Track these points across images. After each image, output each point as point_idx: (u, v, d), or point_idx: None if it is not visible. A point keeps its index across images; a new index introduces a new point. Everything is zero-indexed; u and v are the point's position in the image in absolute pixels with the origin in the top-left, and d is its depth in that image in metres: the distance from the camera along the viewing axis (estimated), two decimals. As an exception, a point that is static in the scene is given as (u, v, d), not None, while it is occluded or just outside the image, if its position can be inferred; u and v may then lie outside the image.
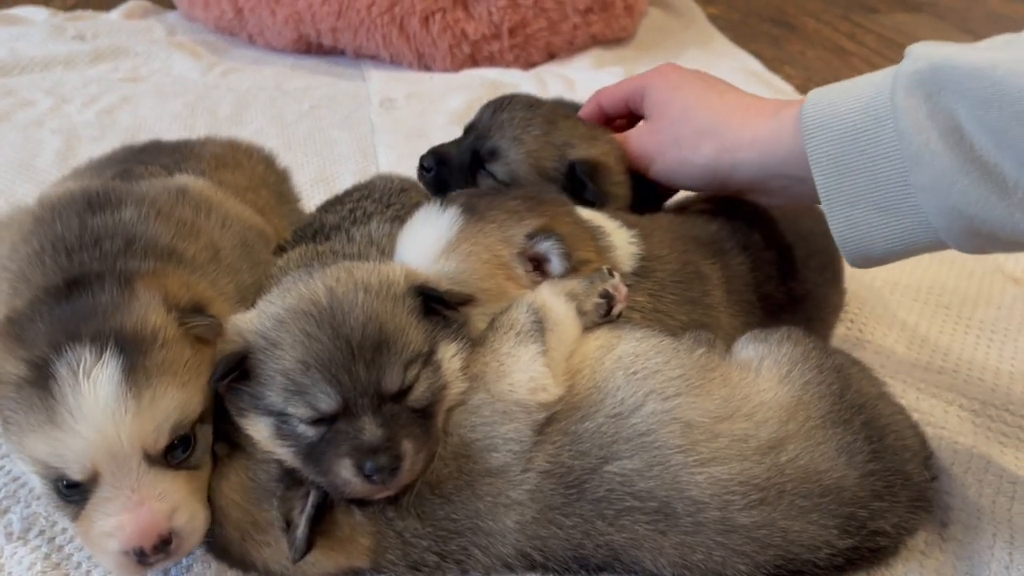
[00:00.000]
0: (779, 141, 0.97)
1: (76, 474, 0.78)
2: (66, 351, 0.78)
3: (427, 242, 0.93)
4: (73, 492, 0.80)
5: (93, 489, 0.79)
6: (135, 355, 0.80)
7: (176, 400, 0.81)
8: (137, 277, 0.88)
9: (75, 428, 0.76)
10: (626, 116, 1.19)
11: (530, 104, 1.13)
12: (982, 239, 0.85)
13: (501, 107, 1.12)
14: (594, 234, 0.96)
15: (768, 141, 0.98)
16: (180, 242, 0.99)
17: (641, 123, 1.13)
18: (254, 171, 1.29)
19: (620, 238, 0.98)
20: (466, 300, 0.86)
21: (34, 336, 0.81)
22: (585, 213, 0.99)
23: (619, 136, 1.14)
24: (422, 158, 1.13)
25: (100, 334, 0.80)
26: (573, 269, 0.91)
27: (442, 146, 1.13)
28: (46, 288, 0.87)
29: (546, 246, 0.91)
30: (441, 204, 0.95)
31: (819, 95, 0.93)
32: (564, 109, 1.17)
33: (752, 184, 1.03)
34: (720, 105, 1.04)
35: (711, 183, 1.06)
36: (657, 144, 1.08)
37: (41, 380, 0.78)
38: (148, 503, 0.79)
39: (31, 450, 0.78)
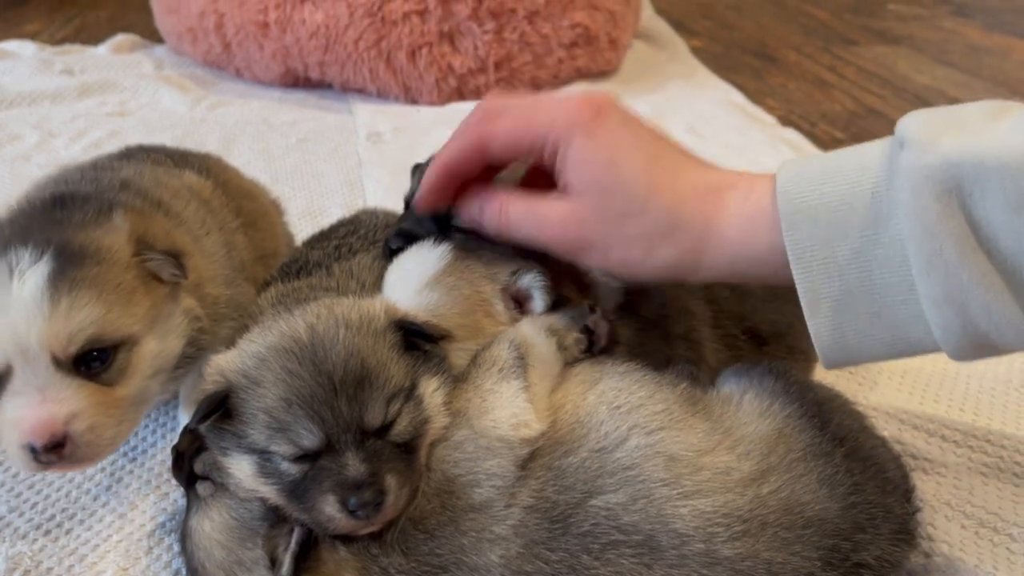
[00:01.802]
0: (752, 238, 0.80)
1: None
2: (10, 251, 0.85)
3: (414, 273, 0.93)
4: None
5: (7, 382, 0.84)
6: (67, 265, 0.85)
7: (94, 314, 0.85)
8: (120, 207, 0.94)
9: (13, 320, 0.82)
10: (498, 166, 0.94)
11: None
12: (988, 349, 0.74)
13: None
14: (580, 276, 0.97)
15: (739, 242, 0.81)
16: (175, 203, 1.04)
17: (568, 202, 0.85)
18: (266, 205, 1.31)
19: (605, 275, 0.99)
20: (442, 335, 0.87)
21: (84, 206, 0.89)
22: None
23: (536, 207, 0.87)
24: (389, 240, 1.02)
25: (44, 241, 0.86)
26: (555, 307, 0.91)
27: (402, 225, 1.03)
28: (30, 200, 0.94)
29: (527, 279, 0.91)
30: (435, 240, 0.96)
31: (796, 178, 0.78)
32: None
33: (719, 278, 0.87)
34: (674, 194, 0.83)
35: (661, 280, 0.90)
36: (599, 235, 0.84)
37: (66, 265, 0.84)
38: (47, 404, 0.83)
39: None
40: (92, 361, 0.86)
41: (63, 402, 0.83)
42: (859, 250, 0.75)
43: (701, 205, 0.82)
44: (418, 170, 1.11)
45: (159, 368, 0.94)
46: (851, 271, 0.76)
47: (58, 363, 0.84)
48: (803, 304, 0.79)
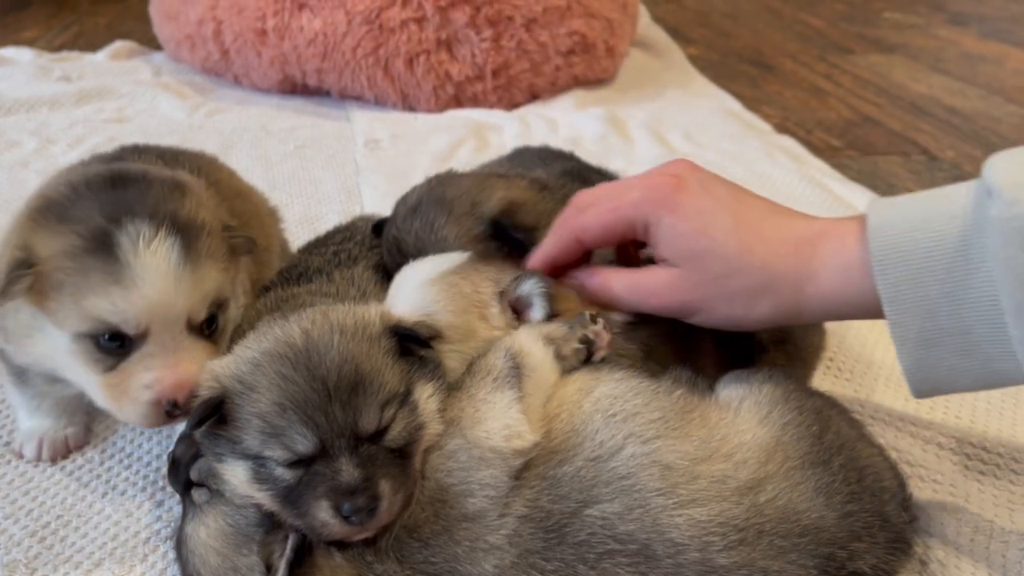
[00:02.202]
0: (848, 286, 0.86)
1: (130, 329, 0.89)
2: (126, 224, 0.89)
3: (422, 271, 0.95)
4: (114, 347, 0.90)
5: (138, 346, 0.90)
6: (188, 236, 0.92)
7: (217, 281, 0.95)
8: (185, 182, 0.99)
9: (139, 289, 0.88)
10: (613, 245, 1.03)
11: (438, 199, 1.10)
12: None
13: (413, 214, 1.10)
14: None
15: (836, 290, 0.87)
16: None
17: (667, 271, 0.93)
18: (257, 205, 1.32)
19: None
20: (433, 335, 0.87)
21: (82, 215, 0.90)
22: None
23: (638, 279, 0.95)
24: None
25: (158, 214, 0.91)
26: (556, 315, 0.92)
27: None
28: (87, 178, 0.96)
29: (528, 285, 0.92)
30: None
31: (887, 223, 0.83)
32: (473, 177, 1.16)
33: (819, 321, 0.94)
34: (766, 251, 0.88)
35: (771, 326, 0.97)
36: (701, 298, 0.91)
37: (103, 248, 0.88)
38: (185, 363, 0.90)
39: (90, 308, 0.88)
40: (211, 323, 0.95)
41: (195, 360, 0.90)
42: (950, 292, 0.79)
43: (794, 259, 0.88)
44: (377, 229, 1.15)
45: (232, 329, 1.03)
46: (942, 312, 0.80)
47: (190, 326, 0.92)
48: (895, 342, 0.84)
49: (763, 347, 1.07)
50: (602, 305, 0.97)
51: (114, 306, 0.88)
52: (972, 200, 0.79)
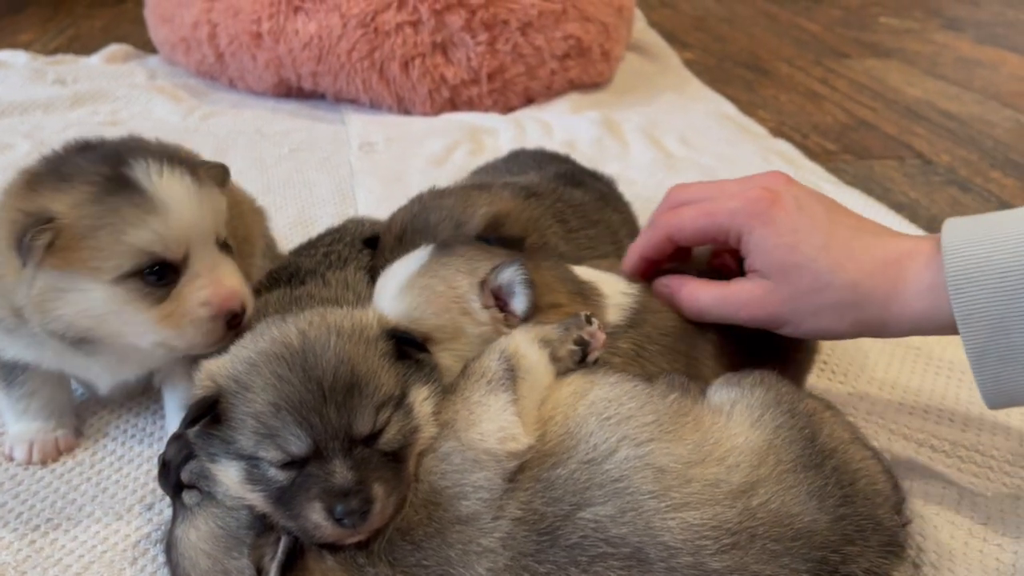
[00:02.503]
0: (935, 306, 0.89)
1: (174, 254, 0.93)
2: (134, 163, 0.92)
3: (394, 281, 0.94)
4: (160, 279, 0.93)
5: (182, 271, 0.94)
6: (187, 164, 0.97)
7: (223, 204, 1.00)
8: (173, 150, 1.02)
9: (172, 212, 0.92)
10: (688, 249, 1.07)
11: (422, 226, 1.10)
12: None
13: (399, 244, 1.10)
14: (581, 287, 0.97)
15: (923, 310, 0.90)
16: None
17: (757, 283, 0.96)
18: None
19: (612, 290, 0.99)
20: (423, 339, 0.87)
21: (84, 168, 0.93)
22: (579, 271, 1.00)
23: (727, 291, 0.98)
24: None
25: (153, 150, 0.96)
26: (539, 310, 0.90)
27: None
28: (63, 148, 0.98)
29: (508, 273, 0.90)
30: (424, 248, 0.97)
31: (964, 242, 0.87)
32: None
33: (905, 335, 0.96)
34: (856, 269, 0.92)
35: (852, 338, 0.99)
36: (790, 311, 0.95)
37: (123, 187, 0.91)
38: (228, 277, 0.97)
39: (133, 242, 0.91)
40: (228, 244, 1.01)
41: (236, 275, 0.98)
42: (1023, 310, 0.83)
43: (882, 278, 0.91)
44: (370, 243, 1.16)
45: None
46: (1015, 329, 0.83)
47: (218, 244, 0.98)
48: (969, 358, 0.87)
49: (758, 351, 1.06)
50: (691, 315, 1.00)
51: (155, 234, 0.91)
52: None
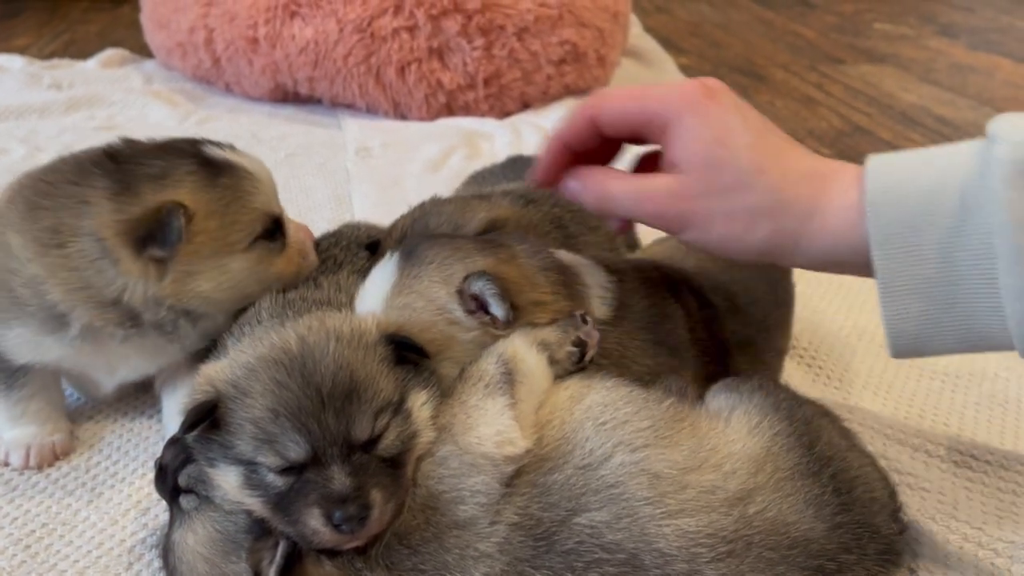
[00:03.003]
0: (854, 227, 0.82)
1: (279, 208, 1.09)
2: (208, 150, 1.03)
3: (370, 300, 0.94)
4: (274, 233, 1.07)
5: (283, 221, 1.09)
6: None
7: None
8: None
9: (265, 177, 1.06)
10: (613, 142, 0.96)
11: (421, 230, 1.10)
12: None
13: None
14: (564, 276, 0.96)
15: (840, 230, 0.83)
16: None
17: (673, 176, 0.88)
18: None
19: (596, 282, 0.98)
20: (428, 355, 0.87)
21: (171, 167, 1.00)
22: (565, 257, 0.99)
23: (639, 182, 0.90)
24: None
25: (199, 139, 1.06)
26: (522, 310, 0.90)
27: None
28: (92, 159, 1.01)
29: (478, 286, 0.88)
30: (389, 255, 0.96)
31: (885, 167, 0.81)
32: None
33: (814, 266, 0.90)
34: (781, 174, 0.85)
35: (758, 259, 0.90)
36: (702, 210, 0.87)
37: (222, 169, 1.02)
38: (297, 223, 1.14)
39: (257, 207, 1.03)
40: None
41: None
42: (943, 239, 0.76)
43: (807, 188, 0.84)
44: (372, 248, 1.16)
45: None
46: (932, 259, 0.77)
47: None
48: (879, 289, 0.80)
49: (727, 350, 1.06)
50: (598, 208, 0.93)
51: (267, 196, 1.05)
52: (976, 149, 0.77)
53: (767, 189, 0.85)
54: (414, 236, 1.09)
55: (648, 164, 0.97)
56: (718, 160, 0.85)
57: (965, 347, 0.81)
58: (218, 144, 1.06)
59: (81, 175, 0.99)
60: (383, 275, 0.94)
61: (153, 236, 0.95)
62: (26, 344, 1.02)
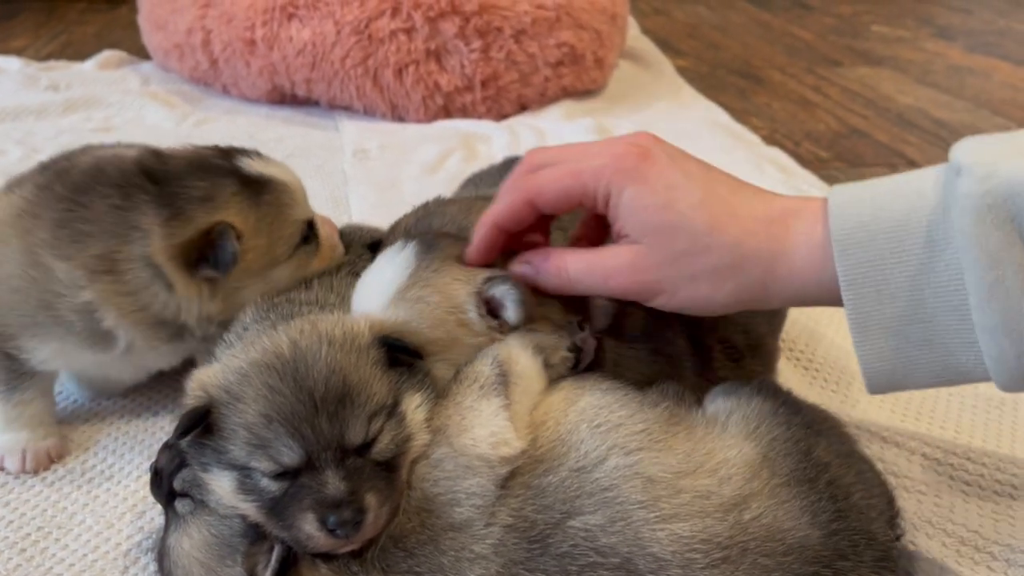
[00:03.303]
0: (821, 266, 0.80)
1: (311, 212, 1.12)
2: (242, 163, 1.05)
3: (378, 289, 0.91)
4: (308, 235, 1.10)
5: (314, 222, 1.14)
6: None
7: None
8: None
9: (296, 184, 1.09)
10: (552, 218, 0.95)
11: (425, 229, 1.09)
12: None
13: None
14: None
15: (807, 270, 0.81)
16: None
17: (628, 248, 0.86)
18: None
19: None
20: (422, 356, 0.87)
21: (216, 187, 1.01)
22: None
23: (596, 259, 0.88)
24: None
25: (229, 147, 1.09)
26: (531, 320, 0.89)
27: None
28: (129, 179, 1.00)
29: (502, 290, 0.87)
30: (402, 243, 0.93)
31: (850, 205, 0.78)
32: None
33: (789, 305, 0.89)
34: (737, 228, 0.82)
35: (730, 311, 0.88)
36: (665, 279, 0.84)
37: (261, 184, 1.04)
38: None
39: (296, 218, 1.07)
40: None
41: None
42: (913, 276, 0.75)
43: (766, 237, 0.82)
44: (373, 247, 1.16)
45: None
46: (903, 297, 0.75)
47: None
48: (851, 330, 0.78)
49: (740, 354, 1.06)
50: (558, 291, 0.90)
51: (301, 204, 1.09)
52: (940, 180, 0.75)
53: (725, 246, 0.82)
54: (412, 234, 1.08)
55: (591, 225, 0.96)
56: (669, 227, 0.83)
57: (942, 382, 0.79)
58: (246, 153, 1.07)
59: (126, 199, 0.98)
60: (396, 263, 0.91)
61: (206, 258, 0.98)
62: (60, 357, 1.04)
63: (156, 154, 1.04)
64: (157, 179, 0.99)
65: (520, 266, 0.92)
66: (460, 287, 0.89)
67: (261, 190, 1.03)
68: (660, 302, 0.87)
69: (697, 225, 0.82)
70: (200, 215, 0.98)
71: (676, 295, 0.85)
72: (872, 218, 0.76)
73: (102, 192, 0.98)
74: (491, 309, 0.89)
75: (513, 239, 0.92)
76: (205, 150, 1.07)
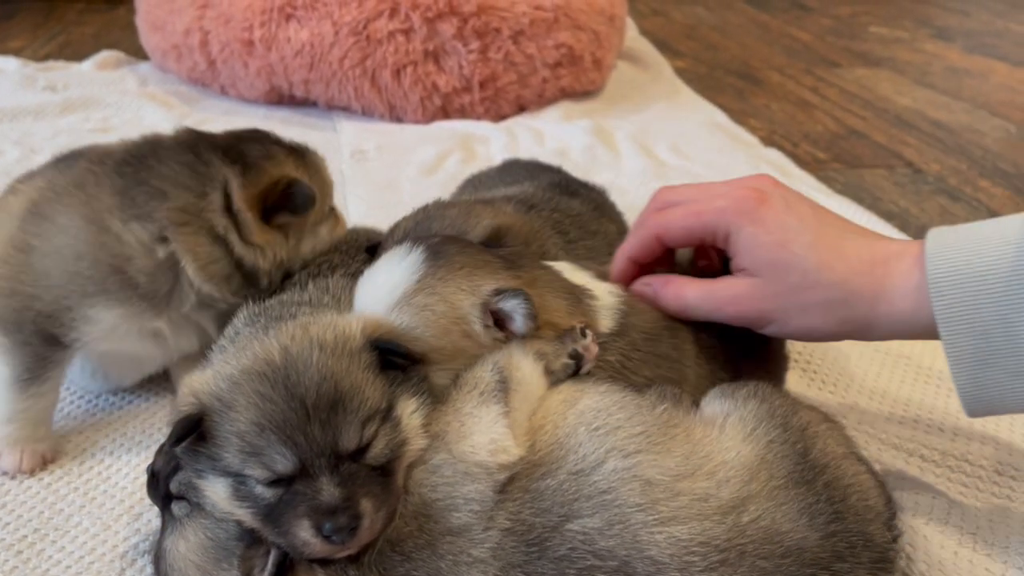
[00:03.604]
0: (921, 307, 0.89)
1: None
2: (276, 137, 1.17)
3: (382, 292, 0.90)
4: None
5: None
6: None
7: None
8: None
9: (324, 159, 1.23)
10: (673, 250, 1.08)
11: (424, 233, 1.10)
12: None
13: None
14: (578, 297, 0.96)
15: (909, 311, 0.91)
16: None
17: (744, 280, 0.98)
18: None
19: (604, 296, 0.98)
20: (417, 360, 0.86)
21: (275, 152, 1.13)
22: (575, 276, 0.99)
23: (714, 288, 0.99)
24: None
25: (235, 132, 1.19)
26: (536, 328, 0.89)
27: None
28: (196, 144, 1.11)
29: (512, 304, 0.88)
30: (409, 246, 0.93)
31: (945, 247, 0.88)
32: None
33: (892, 338, 0.97)
34: (844, 267, 0.93)
35: (836, 340, 1.01)
36: (777, 309, 0.96)
37: (304, 155, 1.18)
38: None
39: (329, 180, 1.21)
40: None
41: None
42: (1004, 315, 0.84)
43: (870, 277, 0.92)
44: (371, 251, 1.15)
45: None
46: (996, 333, 0.84)
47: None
48: (949, 362, 0.88)
49: (739, 356, 1.05)
50: (676, 313, 1.00)
51: (329, 171, 1.22)
52: (1022, 229, 0.85)
53: (834, 283, 0.92)
54: (419, 238, 1.08)
55: (704, 253, 1.11)
56: (783, 263, 0.94)
57: None
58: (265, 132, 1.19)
59: (199, 157, 1.08)
60: (402, 267, 0.91)
61: (282, 205, 1.09)
62: (120, 325, 1.06)
63: (191, 130, 1.15)
64: (216, 143, 1.10)
65: (642, 287, 1.04)
66: (465, 298, 0.89)
67: (303, 153, 1.16)
68: (772, 329, 0.99)
69: (808, 263, 0.93)
70: (270, 167, 1.10)
71: (788, 324, 0.97)
72: (965, 263, 0.86)
73: (170, 154, 1.08)
74: (498, 320, 0.89)
75: (644, 269, 1.06)
76: (245, 130, 1.19)
